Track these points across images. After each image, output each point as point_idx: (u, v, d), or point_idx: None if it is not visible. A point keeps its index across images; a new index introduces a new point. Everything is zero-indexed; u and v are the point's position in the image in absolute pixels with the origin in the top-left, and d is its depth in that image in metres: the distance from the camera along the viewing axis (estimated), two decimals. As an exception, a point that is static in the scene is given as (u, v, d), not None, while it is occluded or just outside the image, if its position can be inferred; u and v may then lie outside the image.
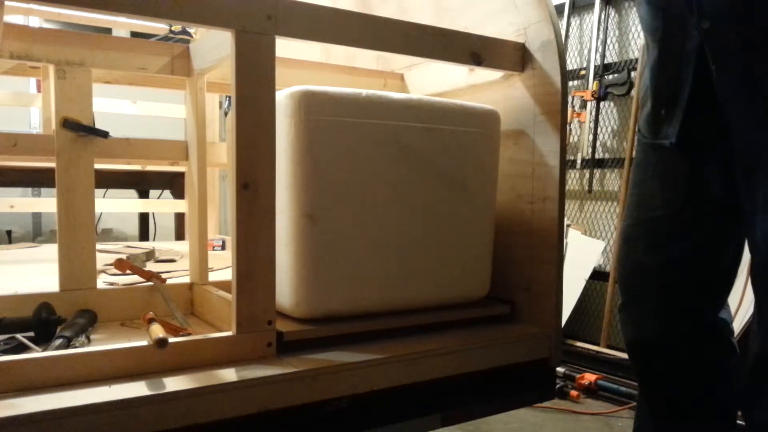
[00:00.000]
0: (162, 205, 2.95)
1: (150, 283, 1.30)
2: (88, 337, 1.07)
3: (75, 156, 1.19)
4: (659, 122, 1.20)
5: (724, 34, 1.03)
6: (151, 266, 1.67)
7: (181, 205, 2.60)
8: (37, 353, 0.89)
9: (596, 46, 3.08)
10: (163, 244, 2.46)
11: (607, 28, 3.07)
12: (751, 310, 2.08)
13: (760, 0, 1.01)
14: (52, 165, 1.18)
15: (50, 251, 2.05)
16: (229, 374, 0.90)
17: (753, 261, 1.12)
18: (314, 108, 1.03)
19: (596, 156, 3.07)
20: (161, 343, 0.87)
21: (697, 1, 1.04)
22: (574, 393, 2.53)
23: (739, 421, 1.26)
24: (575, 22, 3.26)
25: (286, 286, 1.07)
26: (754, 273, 1.13)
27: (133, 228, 3.83)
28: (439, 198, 1.18)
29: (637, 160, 1.30)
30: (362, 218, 1.10)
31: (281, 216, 1.04)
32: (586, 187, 3.12)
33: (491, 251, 1.27)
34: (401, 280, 1.15)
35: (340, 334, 1.07)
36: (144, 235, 3.31)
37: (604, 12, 3.08)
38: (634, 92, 2.88)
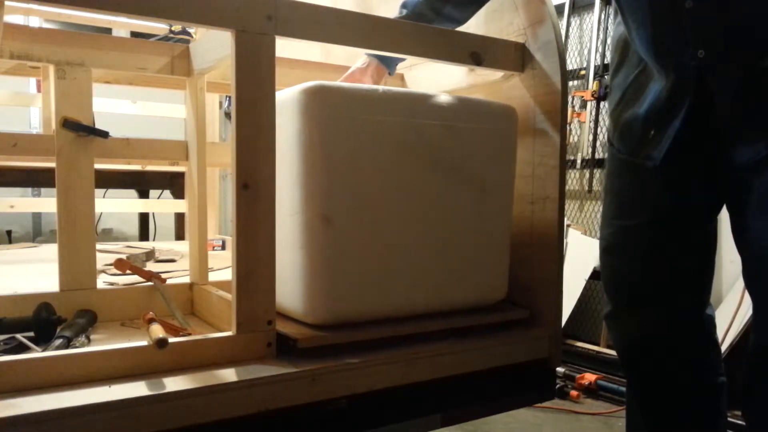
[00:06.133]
0: (162, 205, 2.95)
1: (150, 283, 1.30)
2: (88, 337, 1.07)
3: (75, 156, 1.19)
4: (643, 142, 1.19)
5: (720, 59, 1.06)
6: (151, 266, 1.67)
7: (181, 205, 2.59)
8: (37, 353, 0.89)
9: (596, 46, 3.08)
10: (163, 244, 2.46)
11: (607, 28, 3.06)
12: (751, 310, 2.08)
13: (746, 23, 1.04)
14: (52, 165, 1.18)
15: (50, 251, 2.05)
16: (229, 374, 0.90)
17: (747, 260, 1.13)
18: (329, 104, 0.99)
19: (596, 156, 3.07)
20: (161, 343, 0.87)
21: (691, 33, 1.07)
22: (574, 393, 2.53)
23: (738, 421, 1.26)
24: (575, 22, 3.26)
25: (299, 291, 1.02)
26: (749, 271, 1.14)
27: (133, 228, 3.83)
28: (456, 198, 1.13)
29: (610, 168, 1.31)
30: (378, 219, 1.05)
31: (294, 218, 1.01)
32: (586, 187, 3.12)
33: (509, 252, 1.22)
34: (417, 284, 1.10)
35: (356, 341, 1.03)
36: (144, 235, 3.31)
37: (604, 12, 3.08)
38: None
